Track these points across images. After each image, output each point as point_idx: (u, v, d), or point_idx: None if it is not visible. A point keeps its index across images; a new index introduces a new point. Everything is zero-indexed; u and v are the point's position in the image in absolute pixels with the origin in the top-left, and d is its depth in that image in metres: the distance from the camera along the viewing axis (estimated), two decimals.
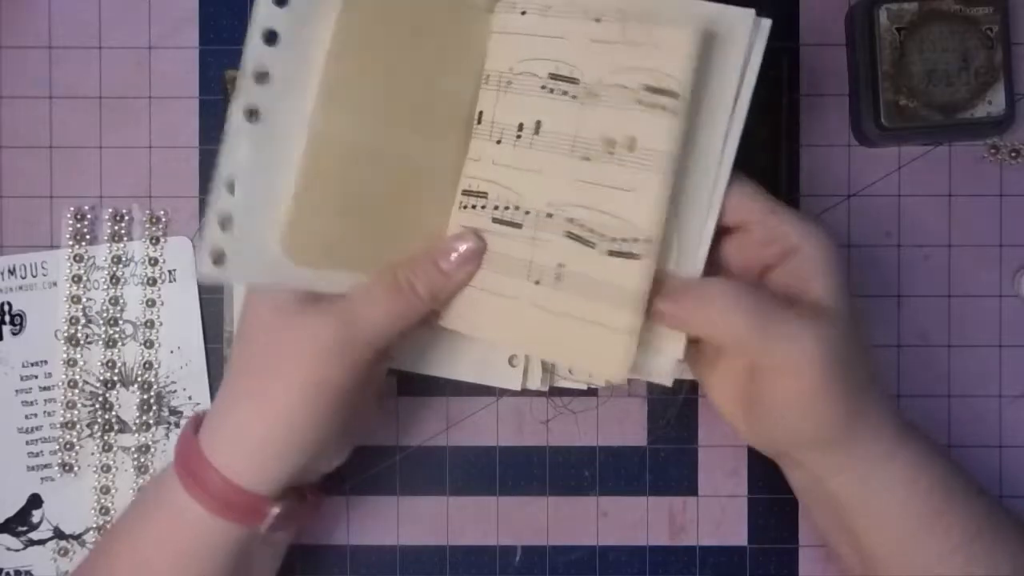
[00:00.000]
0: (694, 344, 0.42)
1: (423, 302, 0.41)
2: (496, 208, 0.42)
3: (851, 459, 0.41)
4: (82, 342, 0.50)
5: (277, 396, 0.40)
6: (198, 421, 0.42)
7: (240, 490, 0.40)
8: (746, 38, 0.39)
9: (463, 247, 0.42)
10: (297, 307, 0.40)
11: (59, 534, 0.50)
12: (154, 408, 0.50)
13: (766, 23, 0.39)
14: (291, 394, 0.39)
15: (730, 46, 0.39)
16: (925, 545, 0.42)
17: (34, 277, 0.50)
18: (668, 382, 0.41)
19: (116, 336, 0.50)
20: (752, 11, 0.39)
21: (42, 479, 0.50)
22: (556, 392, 0.50)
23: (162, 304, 0.50)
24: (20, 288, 0.50)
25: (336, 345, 0.39)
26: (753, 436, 0.43)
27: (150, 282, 0.50)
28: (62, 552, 0.50)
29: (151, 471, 0.50)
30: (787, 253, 0.41)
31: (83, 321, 0.50)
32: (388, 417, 0.51)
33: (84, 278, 0.50)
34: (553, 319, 0.40)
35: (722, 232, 0.41)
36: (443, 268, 0.41)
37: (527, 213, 0.41)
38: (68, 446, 0.50)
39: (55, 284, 0.50)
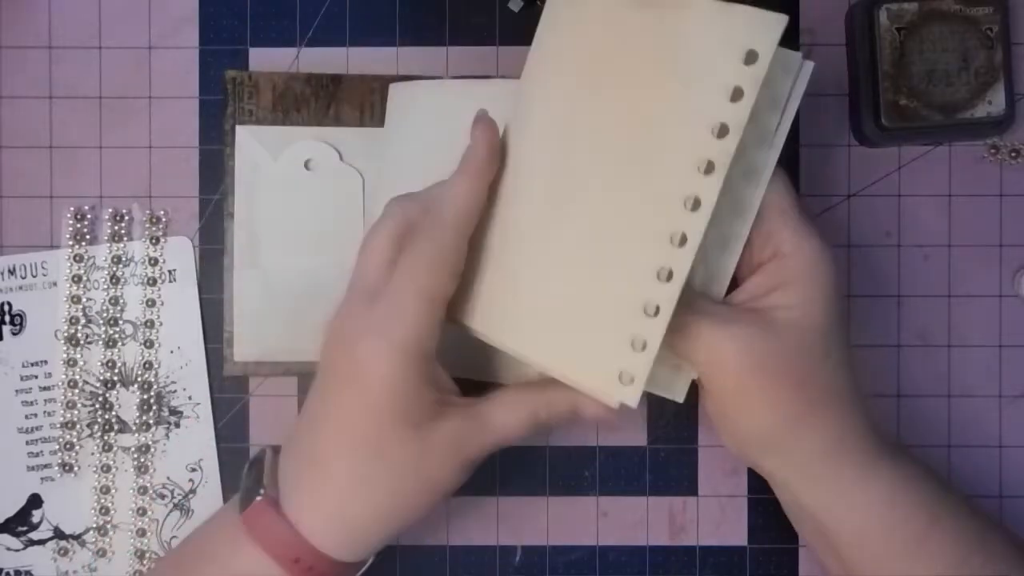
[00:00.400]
0: None
1: (539, 433, 0.42)
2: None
3: (814, 471, 0.42)
4: (82, 342, 0.50)
5: (392, 494, 0.40)
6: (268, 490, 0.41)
7: (333, 562, 0.40)
8: (791, 77, 0.40)
9: (604, 412, 0.41)
10: (427, 417, 0.39)
11: (59, 534, 0.50)
12: (154, 408, 0.50)
13: (808, 65, 0.41)
14: (405, 492, 0.40)
15: (773, 83, 0.40)
16: (917, 563, 0.41)
17: (34, 277, 0.50)
18: (680, 399, 0.42)
19: (116, 336, 0.50)
20: (799, 54, 0.41)
21: (42, 479, 0.50)
22: None
23: (162, 304, 0.50)
24: (20, 288, 0.50)
25: (468, 457, 0.40)
26: (725, 441, 0.44)
27: (150, 282, 0.50)
28: (62, 552, 0.50)
29: (151, 471, 0.50)
30: (776, 256, 0.41)
31: (83, 321, 0.50)
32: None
33: (84, 278, 0.50)
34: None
35: None
36: (579, 412, 0.42)
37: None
38: (68, 446, 0.50)
39: (55, 284, 0.50)
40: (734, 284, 0.43)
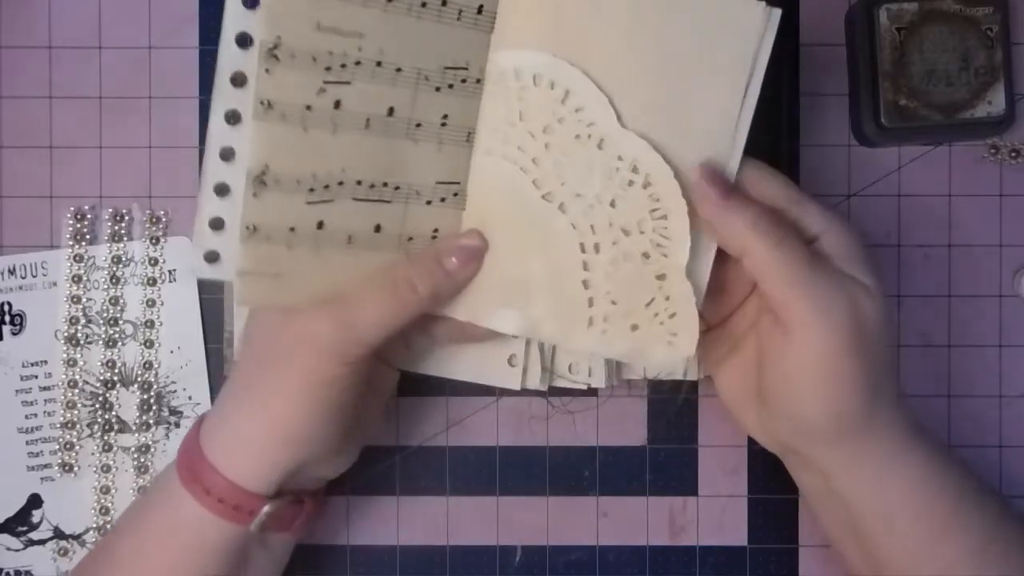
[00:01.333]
0: (706, 335, 0.42)
1: (422, 301, 0.41)
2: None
3: (860, 456, 0.41)
4: (82, 342, 0.50)
5: (272, 394, 0.40)
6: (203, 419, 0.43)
7: (233, 486, 0.40)
8: (757, 28, 0.39)
9: (469, 244, 0.42)
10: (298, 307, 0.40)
11: (59, 534, 0.50)
12: (154, 408, 0.50)
13: (776, 13, 0.39)
14: (286, 392, 0.39)
15: (739, 36, 0.39)
16: (939, 549, 0.41)
17: (34, 277, 0.50)
18: (689, 374, 0.42)
19: (116, 336, 0.50)
20: (761, 3, 0.39)
21: (42, 479, 0.50)
22: (556, 392, 0.50)
23: (162, 304, 0.50)
24: (20, 288, 0.50)
25: (332, 344, 0.39)
26: (762, 430, 0.43)
27: (150, 282, 0.50)
28: (62, 552, 0.50)
29: (151, 471, 0.50)
30: (809, 241, 0.40)
31: (83, 321, 0.50)
32: (388, 417, 0.51)
33: (84, 278, 0.50)
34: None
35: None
36: (447, 267, 0.41)
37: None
38: (68, 446, 0.50)
39: (55, 284, 0.50)
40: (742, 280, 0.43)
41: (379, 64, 0.39)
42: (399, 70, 0.39)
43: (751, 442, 0.48)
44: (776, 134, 0.50)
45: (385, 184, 0.40)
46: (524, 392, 0.48)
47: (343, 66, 0.38)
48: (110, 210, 0.50)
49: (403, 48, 0.39)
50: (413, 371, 0.48)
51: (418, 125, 0.41)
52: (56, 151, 0.51)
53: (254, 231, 0.38)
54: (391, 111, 0.40)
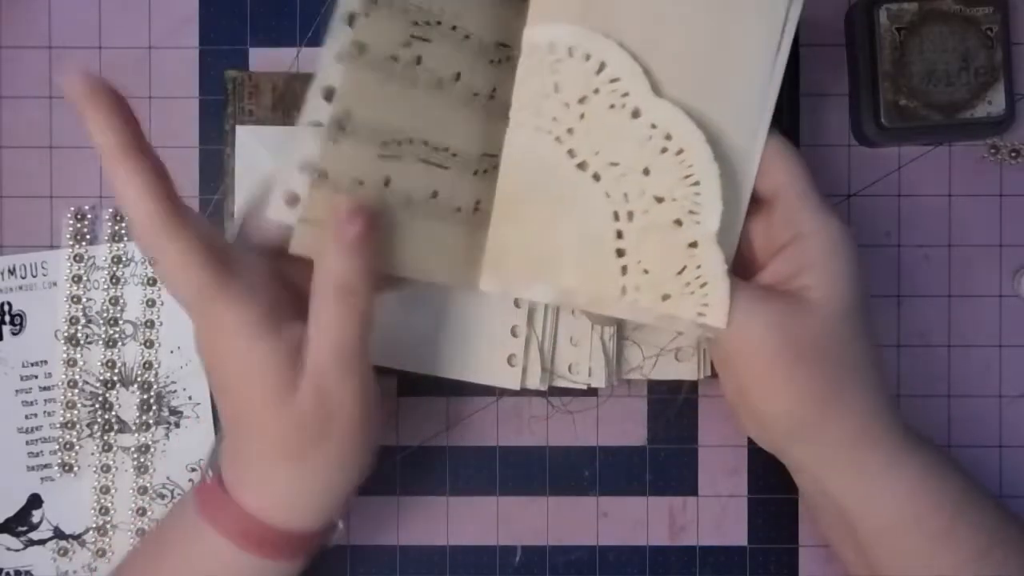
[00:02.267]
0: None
1: (365, 303, 0.38)
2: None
3: (845, 462, 0.41)
4: (82, 342, 0.50)
5: (300, 458, 0.39)
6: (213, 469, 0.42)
7: (294, 535, 0.40)
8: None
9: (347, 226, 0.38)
10: (285, 388, 0.38)
11: (59, 534, 0.50)
12: (154, 408, 0.50)
13: None
14: (319, 453, 0.39)
15: (767, 3, 0.41)
16: (934, 560, 0.41)
17: (34, 277, 0.50)
18: (723, 323, 0.40)
19: (116, 336, 0.50)
20: None
21: (42, 479, 0.50)
22: (555, 392, 0.50)
23: (162, 304, 0.50)
24: (20, 288, 0.50)
25: (333, 388, 0.38)
26: (747, 429, 0.44)
27: (150, 282, 0.50)
28: (62, 552, 0.50)
29: (151, 471, 0.50)
30: (797, 238, 0.41)
31: (83, 321, 0.50)
32: (388, 417, 0.51)
33: (84, 278, 0.50)
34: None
35: (752, 206, 0.42)
36: (346, 246, 0.38)
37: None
38: (68, 446, 0.50)
39: (55, 284, 0.50)
40: (751, 271, 0.43)
41: (454, 28, 0.40)
42: (467, 37, 0.41)
43: (751, 442, 0.48)
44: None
45: (447, 149, 0.41)
46: (524, 392, 0.49)
47: (427, 23, 0.39)
48: (110, 210, 0.50)
49: (471, 18, 0.41)
50: (415, 371, 0.48)
51: (475, 94, 0.42)
52: (56, 151, 0.51)
53: (324, 178, 0.38)
54: (458, 76, 0.41)
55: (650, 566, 0.51)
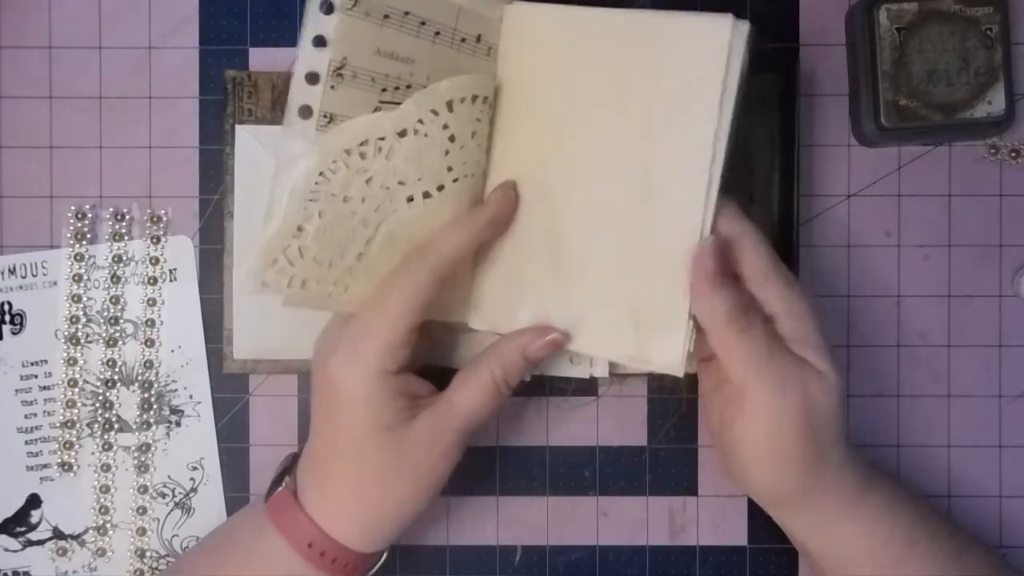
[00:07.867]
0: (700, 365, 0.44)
1: (509, 393, 0.43)
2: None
3: (808, 514, 0.43)
4: (82, 341, 0.50)
5: (393, 494, 0.43)
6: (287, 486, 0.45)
7: (344, 547, 0.43)
8: (725, 48, 0.39)
9: (556, 338, 0.43)
10: (400, 421, 0.42)
11: (58, 534, 0.50)
12: (154, 407, 0.50)
13: (743, 26, 0.39)
14: (409, 492, 0.43)
15: (708, 55, 0.39)
16: None
17: (34, 276, 0.50)
18: (679, 371, 0.41)
19: (117, 335, 0.50)
20: (728, 19, 0.39)
21: (41, 479, 0.50)
22: (556, 392, 0.50)
23: (163, 303, 0.50)
24: (20, 288, 0.50)
25: (446, 445, 0.42)
26: (724, 470, 0.45)
27: (151, 281, 0.50)
28: (61, 552, 0.50)
29: (151, 470, 0.50)
30: (767, 319, 0.41)
31: (83, 320, 0.50)
32: None
33: (84, 277, 0.50)
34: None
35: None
36: (528, 357, 0.43)
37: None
38: (68, 445, 0.50)
39: (55, 283, 0.50)
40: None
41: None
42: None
43: None
44: (776, 134, 0.50)
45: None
46: (524, 392, 0.49)
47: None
48: (111, 209, 0.50)
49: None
50: (423, 363, 0.48)
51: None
52: (56, 151, 0.51)
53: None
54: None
55: (650, 566, 0.51)
